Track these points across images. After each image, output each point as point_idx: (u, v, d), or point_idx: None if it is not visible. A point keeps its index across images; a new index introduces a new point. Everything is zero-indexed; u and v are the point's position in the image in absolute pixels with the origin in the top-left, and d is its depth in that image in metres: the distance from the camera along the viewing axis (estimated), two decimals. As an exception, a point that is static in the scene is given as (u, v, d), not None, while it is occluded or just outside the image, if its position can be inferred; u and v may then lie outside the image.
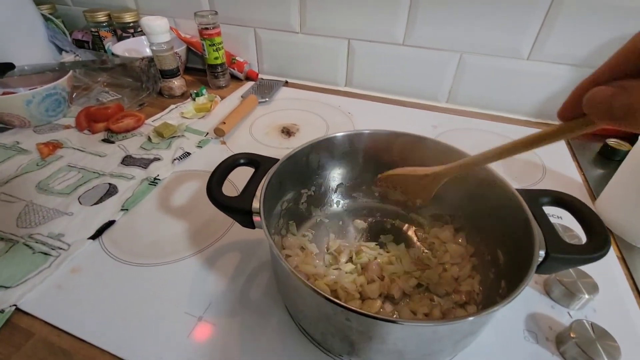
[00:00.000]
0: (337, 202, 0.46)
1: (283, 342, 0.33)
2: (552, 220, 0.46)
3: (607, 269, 0.41)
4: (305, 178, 0.42)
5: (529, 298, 0.38)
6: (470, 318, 0.22)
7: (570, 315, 0.36)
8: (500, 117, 0.74)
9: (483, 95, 0.74)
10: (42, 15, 0.83)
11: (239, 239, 0.44)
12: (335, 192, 0.46)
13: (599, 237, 0.28)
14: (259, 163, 0.37)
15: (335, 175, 0.44)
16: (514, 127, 0.70)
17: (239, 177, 0.35)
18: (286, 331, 0.34)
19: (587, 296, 0.35)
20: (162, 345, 0.33)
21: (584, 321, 0.33)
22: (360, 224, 0.44)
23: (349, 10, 0.72)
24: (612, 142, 0.61)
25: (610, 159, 0.60)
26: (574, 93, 0.18)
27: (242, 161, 0.37)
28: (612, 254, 0.43)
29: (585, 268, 0.38)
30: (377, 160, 0.43)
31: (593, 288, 0.36)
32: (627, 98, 0.15)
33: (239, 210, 0.32)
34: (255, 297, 0.37)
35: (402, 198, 0.37)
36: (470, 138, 0.66)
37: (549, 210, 0.47)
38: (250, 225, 0.33)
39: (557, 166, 0.58)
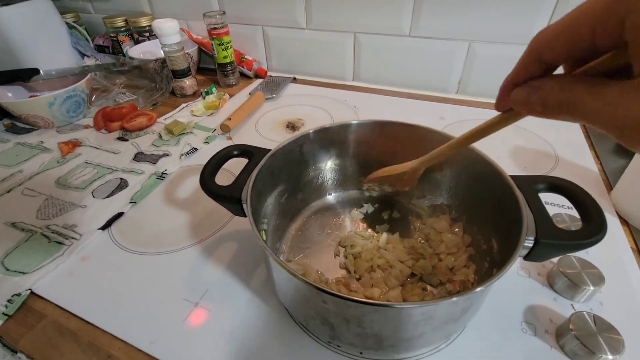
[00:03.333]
0: (333, 193, 0.46)
1: (274, 327, 0.34)
2: (562, 210, 0.44)
3: (618, 261, 0.38)
4: (300, 169, 0.43)
5: (530, 290, 0.36)
6: (444, 301, 0.22)
7: (574, 308, 0.34)
8: (513, 106, 0.71)
9: (495, 85, 0.71)
10: (67, 23, 0.88)
11: (239, 229, 0.45)
12: (332, 183, 0.46)
13: (595, 222, 0.27)
14: (252, 154, 0.37)
15: (331, 166, 0.45)
16: (528, 117, 0.67)
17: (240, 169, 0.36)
18: (278, 318, 0.34)
19: (592, 288, 0.33)
20: (159, 328, 0.34)
21: (585, 313, 0.31)
22: (357, 214, 0.44)
23: (353, 3, 0.72)
24: (633, 129, 0.57)
25: (631, 147, 0.56)
26: (501, 90, 0.21)
27: (235, 152, 0.38)
28: (625, 245, 0.40)
29: (594, 259, 0.36)
30: (370, 149, 0.43)
31: (599, 279, 0.34)
32: (540, 95, 0.18)
33: (229, 198, 0.33)
34: (250, 285, 0.38)
35: (391, 190, 0.41)
36: (480, 129, 0.64)
37: (558, 200, 0.46)
38: (242, 213, 0.34)
39: (572, 156, 0.56)
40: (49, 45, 0.82)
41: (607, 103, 0.15)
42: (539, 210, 0.29)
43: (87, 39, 0.93)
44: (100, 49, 0.97)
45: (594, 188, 0.49)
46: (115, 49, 0.95)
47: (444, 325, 0.26)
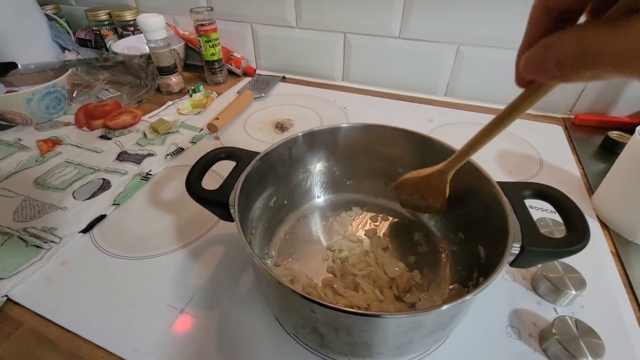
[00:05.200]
0: (322, 197, 0.46)
1: (262, 334, 0.33)
2: (545, 214, 0.45)
3: (599, 265, 0.39)
4: (289, 172, 0.42)
5: (515, 294, 0.37)
6: (433, 311, 0.22)
7: (556, 311, 0.35)
8: (501, 110, 0.72)
9: (482, 88, 0.72)
10: (47, 15, 0.85)
11: (225, 232, 0.44)
12: (320, 186, 0.46)
13: (579, 230, 0.27)
14: (239, 157, 0.37)
15: (320, 169, 0.44)
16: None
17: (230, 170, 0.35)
18: (265, 324, 0.34)
19: (574, 292, 0.34)
20: (143, 336, 0.33)
21: (567, 318, 0.32)
22: (346, 217, 0.44)
23: (344, 3, 0.71)
24: (614, 134, 0.59)
25: (612, 152, 0.58)
26: (517, 62, 0.18)
27: (222, 155, 0.37)
28: (605, 249, 0.42)
29: (576, 264, 0.37)
30: (360, 152, 0.42)
31: (580, 284, 0.35)
32: (554, 54, 0.15)
33: (216, 203, 0.33)
34: (238, 291, 0.37)
35: (423, 203, 0.38)
36: (467, 131, 0.65)
37: (542, 204, 0.47)
38: (229, 218, 0.34)
39: (555, 160, 0.57)
40: (27, 38, 0.79)
41: (631, 41, 0.12)
42: (525, 217, 0.29)
43: (68, 32, 0.90)
44: (82, 42, 0.93)
45: (576, 192, 0.50)
46: (98, 43, 0.92)
47: (433, 333, 0.26)
